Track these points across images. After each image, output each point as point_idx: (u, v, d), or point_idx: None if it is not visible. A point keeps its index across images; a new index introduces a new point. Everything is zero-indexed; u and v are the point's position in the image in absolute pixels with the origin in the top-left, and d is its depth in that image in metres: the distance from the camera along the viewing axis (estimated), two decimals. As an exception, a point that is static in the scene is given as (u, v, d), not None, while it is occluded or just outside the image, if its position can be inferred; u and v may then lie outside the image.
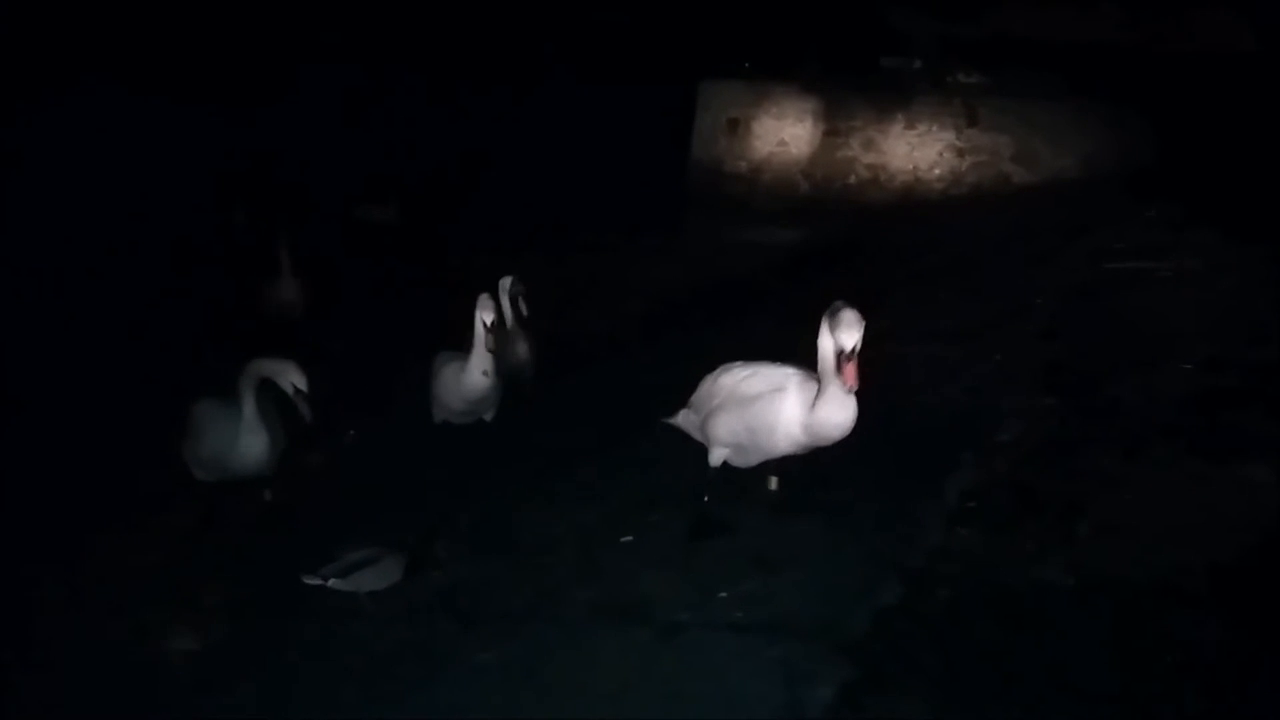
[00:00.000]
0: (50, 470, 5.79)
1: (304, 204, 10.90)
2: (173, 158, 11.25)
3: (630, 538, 4.65)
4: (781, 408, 4.14)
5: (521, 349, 6.21)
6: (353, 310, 8.79)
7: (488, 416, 5.61)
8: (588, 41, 14.78)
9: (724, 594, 4.08)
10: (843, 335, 3.83)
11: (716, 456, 4.46)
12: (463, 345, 5.50)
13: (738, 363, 4.45)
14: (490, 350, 5.23)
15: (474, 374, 5.25)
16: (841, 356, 3.84)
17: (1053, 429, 5.09)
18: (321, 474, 5.53)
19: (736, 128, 13.27)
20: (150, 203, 10.63)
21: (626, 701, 3.55)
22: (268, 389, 4.71)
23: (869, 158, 12.50)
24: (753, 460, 4.43)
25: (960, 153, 12.12)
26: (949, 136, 12.18)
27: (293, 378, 4.66)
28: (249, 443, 4.64)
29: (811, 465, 4.90)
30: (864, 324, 3.85)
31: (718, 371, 4.49)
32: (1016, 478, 4.68)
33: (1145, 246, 7.66)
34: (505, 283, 6.13)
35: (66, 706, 3.86)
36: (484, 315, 5.21)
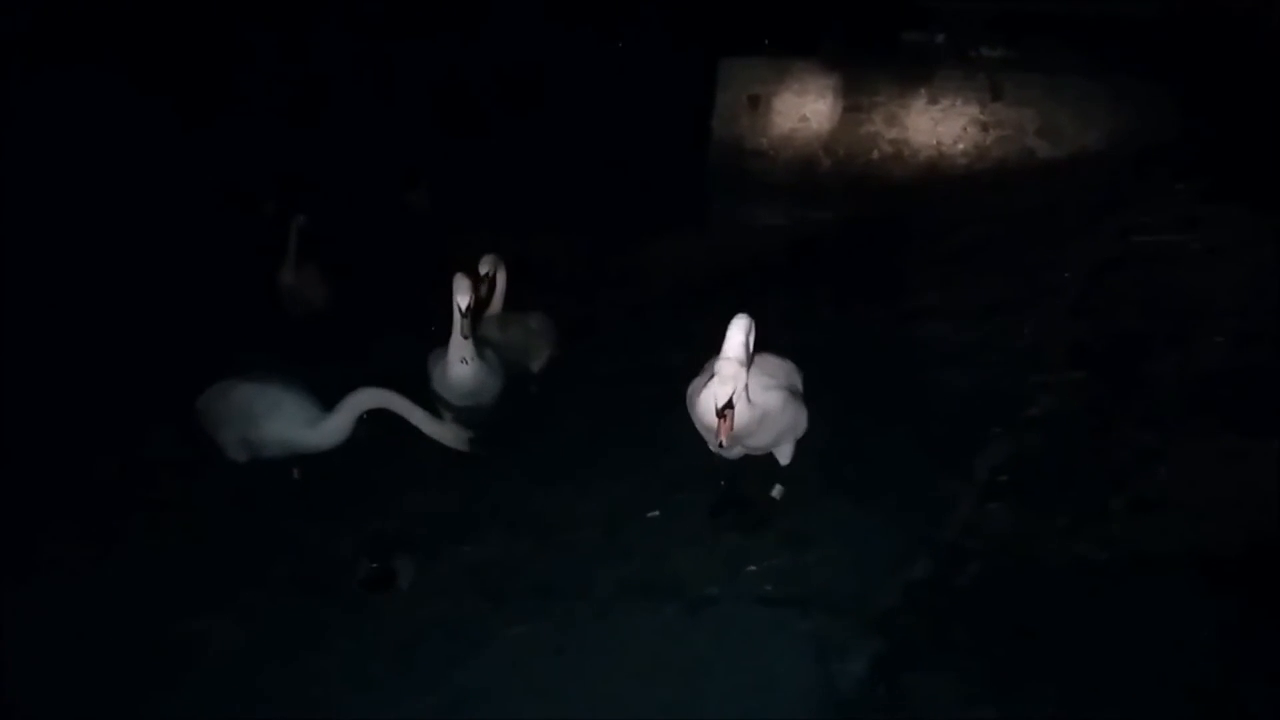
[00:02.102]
0: (70, 456, 5.82)
1: (330, 193, 10.87)
2: (198, 150, 11.27)
3: (656, 513, 4.65)
4: (695, 399, 4.01)
5: (519, 331, 5.92)
6: (375, 297, 8.75)
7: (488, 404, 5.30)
8: (611, 17, 14.70)
9: (753, 568, 4.08)
10: (717, 387, 3.65)
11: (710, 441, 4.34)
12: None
13: None
14: (465, 336, 4.95)
15: (454, 365, 4.99)
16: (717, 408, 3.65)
17: (1084, 405, 5.05)
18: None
19: (757, 104, 13.17)
20: (180, 195, 10.67)
21: (657, 676, 3.56)
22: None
23: (892, 133, 12.38)
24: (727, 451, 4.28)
25: (985, 127, 11.99)
26: (973, 111, 12.04)
27: (462, 434, 4.71)
28: (333, 429, 4.65)
29: (841, 441, 4.89)
30: (741, 376, 3.66)
31: None
32: (1048, 453, 4.65)
33: (1174, 220, 7.55)
34: (486, 261, 5.84)
35: (95, 690, 3.88)
36: (459, 299, 4.90)
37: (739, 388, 3.67)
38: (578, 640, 3.82)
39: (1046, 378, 5.40)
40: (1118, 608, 3.64)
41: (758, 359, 4.01)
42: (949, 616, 3.66)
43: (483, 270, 5.79)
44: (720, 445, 3.73)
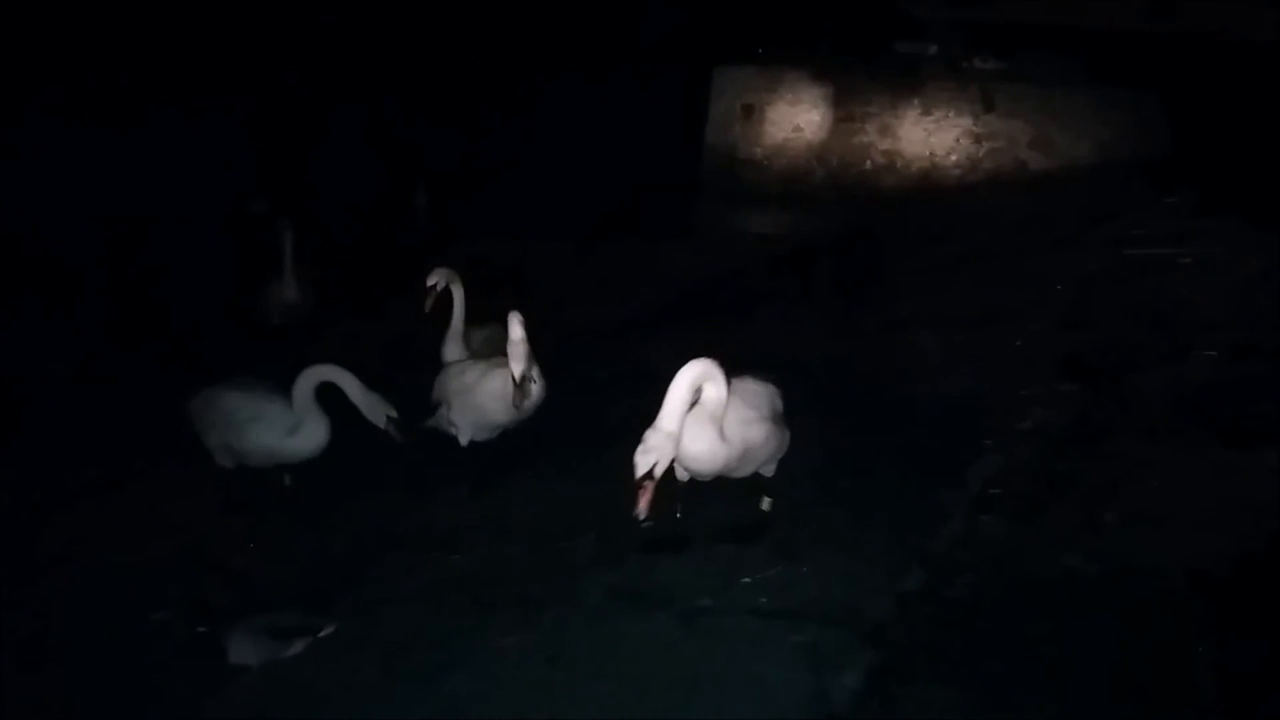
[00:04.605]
0: (63, 462, 5.78)
1: (321, 198, 10.80)
2: (188, 148, 11.20)
3: (650, 523, 4.63)
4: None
5: (482, 343, 5.76)
6: (364, 304, 8.70)
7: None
8: (602, 25, 14.71)
9: (746, 580, 4.07)
10: (638, 456, 3.54)
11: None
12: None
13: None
14: (517, 383, 4.71)
15: (525, 386, 4.74)
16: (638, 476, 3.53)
17: (1076, 416, 5.07)
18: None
19: (751, 113, 13.19)
20: (169, 197, 10.60)
21: (649, 687, 3.54)
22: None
23: (885, 144, 12.42)
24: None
25: (977, 139, 12.03)
26: (965, 122, 12.08)
27: (385, 409, 4.73)
28: (310, 434, 4.69)
29: (832, 452, 4.89)
30: (668, 449, 3.53)
31: None
32: (1040, 465, 4.66)
33: (1166, 233, 7.59)
34: (437, 274, 5.66)
35: (84, 695, 3.85)
36: (515, 366, 4.67)
37: (662, 459, 3.54)
38: (569, 650, 3.80)
39: (1038, 389, 5.42)
40: (1110, 620, 3.64)
41: (738, 386, 3.96)
42: (942, 629, 3.65)
43: (430, 282, 5.65)
44: (640, 517, 3.57)
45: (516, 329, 4.69)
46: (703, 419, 3.76)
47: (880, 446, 5.01)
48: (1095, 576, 3.85)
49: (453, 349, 5.69)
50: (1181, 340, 5.74)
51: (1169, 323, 6.04)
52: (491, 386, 4.89)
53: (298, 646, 3.99)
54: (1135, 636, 3.52)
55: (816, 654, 3.56)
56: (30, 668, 4.00)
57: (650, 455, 3.53)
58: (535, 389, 4.84)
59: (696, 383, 3.69)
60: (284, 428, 4.72)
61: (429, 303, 5.66)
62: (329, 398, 4.77)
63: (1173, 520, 4.13)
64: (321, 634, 4.05)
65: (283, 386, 4.78)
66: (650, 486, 3.55)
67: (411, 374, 5.72)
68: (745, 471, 4.13)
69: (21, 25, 10.89)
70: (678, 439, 3.61)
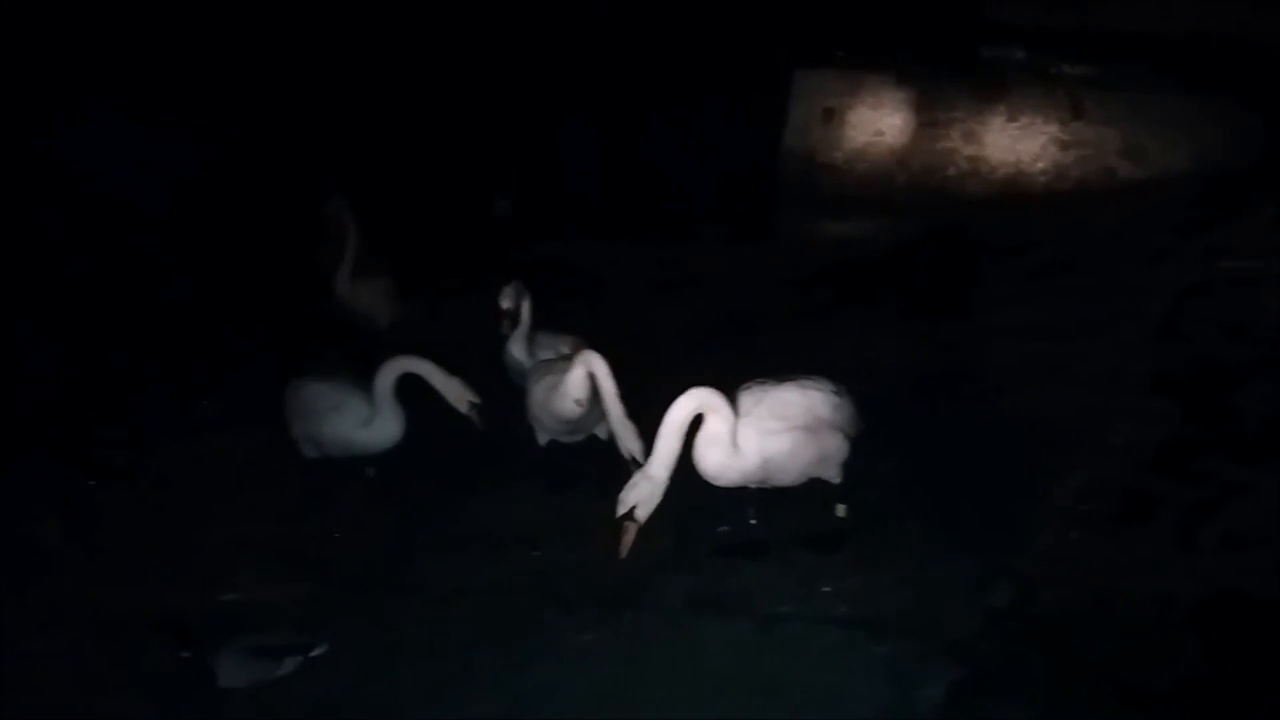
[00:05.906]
0: (148, 452, 5.92)
1: (399, 198, 10.83)
2: (266, 144, 11.37)
3: (726, 528, 4.62)
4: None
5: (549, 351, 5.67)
6: (440, 305, 8.73)
7: (602, 434, 5.04)
8: (681, 28, 14.68)
9: (826, 588, 4.04)
10: (625, 493, 3.63)
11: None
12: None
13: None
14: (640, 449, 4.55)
15: (567, 402, 4.73)
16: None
17: (1168, 433, 4.93)
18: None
19: (831, 117, 13.07)
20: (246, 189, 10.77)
21: (726, 692, 3.55)
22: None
23: (969, 150, 12.19)
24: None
25: (1064, 146, 11.75)
26: (1052, 129, 11.81)
27: (468, 395, 4.79)
28: (384, 427, 4.76)
29: (915, 462, 4.83)
30: (656, 494, 3.64)
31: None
32: (1131, 482, 4.54)
33: (1263, 245, 7.35)
34: (508, 295, 5.69)
35: (150, 692, 3.90)
36: (630, 445, 4.53)
37: (645, 504, 3.63)
38: (647, 651, 3.81)
39: (1130, 403, 5.28)
40: (1201, 644, 3.54)
41: (771, 394, 3.97)
42: (1027, 646, 3.59)
43: (505, 305, 5.70)
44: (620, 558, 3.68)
45: (614, 405, 4.50)
46: (710, 436, 3.80)
47: (965, 458, 4.92)
48: (1187, 599, 3.75)
49: (516, 351, 5.74)
50: (1278, 356, 5.55)
51: (1265, 338, 5.85)
52: (536, 395, 4.94)
53: (287, 667, 3.88)
54: (1227, 661, 3.42)
55: (899, 666, 3.53)
56: (95, 652, 4.09)
57: (633, 495, 3.62)
58: (581, 411, 4.78)
59: (690, 419, 3.73)
60: (359, 419, 4.79)
61: (505, 325, 5.74)
62: (412, 393, 4.83)
63: (1268, 543, 4.00)
64: (313, 654, 3.94)
65: (365, 379, 4.85)
66: (633, 528, 3.65)
67: (489, 372, 5.75)
68: (788, 480, 4.08)
69: (94, 20, 11.13)
70: (664, 485, 3.67)
